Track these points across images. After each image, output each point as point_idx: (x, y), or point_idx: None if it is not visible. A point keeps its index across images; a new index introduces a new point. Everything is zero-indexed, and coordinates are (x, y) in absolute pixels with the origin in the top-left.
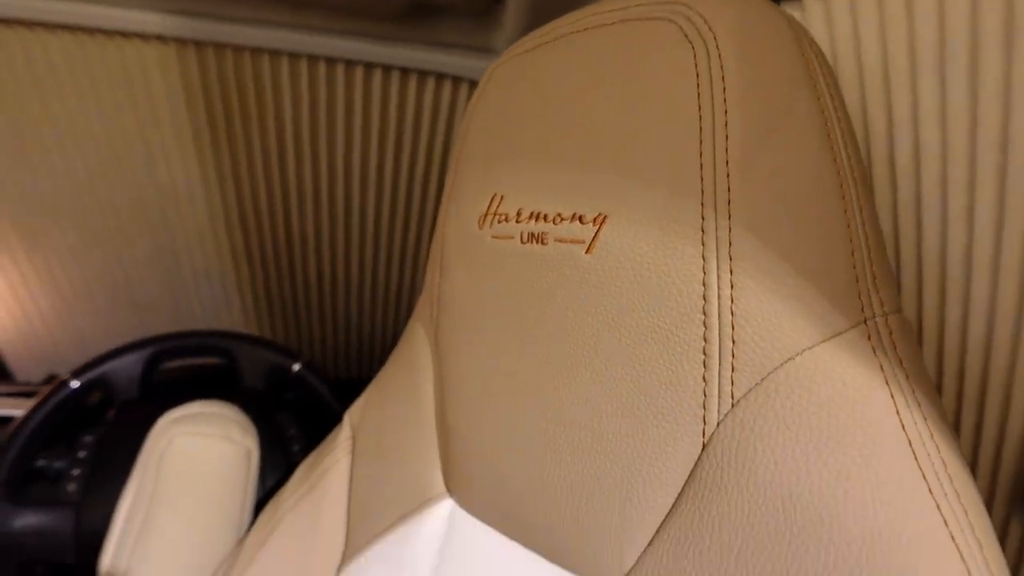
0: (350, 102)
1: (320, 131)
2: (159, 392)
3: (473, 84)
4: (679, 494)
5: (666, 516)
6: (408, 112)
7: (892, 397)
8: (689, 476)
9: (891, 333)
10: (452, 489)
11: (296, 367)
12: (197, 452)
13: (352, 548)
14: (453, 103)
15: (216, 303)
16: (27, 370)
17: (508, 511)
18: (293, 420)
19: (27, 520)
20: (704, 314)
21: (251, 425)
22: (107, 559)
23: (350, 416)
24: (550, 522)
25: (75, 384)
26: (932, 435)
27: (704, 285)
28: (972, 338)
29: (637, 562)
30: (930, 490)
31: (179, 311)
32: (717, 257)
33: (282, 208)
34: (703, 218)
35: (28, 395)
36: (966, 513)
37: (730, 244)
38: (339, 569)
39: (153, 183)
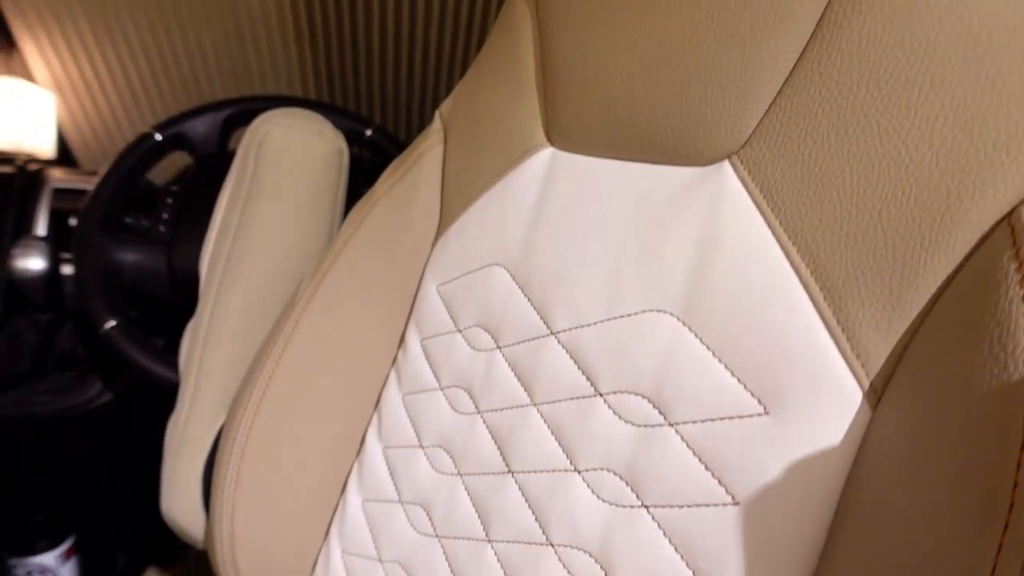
0: None
1: None
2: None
3: None
4: (804, 47)
5: (789, 74)
6: None
7: None
8: (818, 22)
9: None
10: (553, 138)
11: (369, 132)
12: (293, 143)
13: (448, 218)
14: None
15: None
16: (93, 162)
17: (618, 131)
18: (368, 184)
19: (125, 255)
20: None
21: (339, 130)
22: (210, 246)
23: (441, 111)
24: (666, 121)
25: (158, 137)
26: None
27: None
28: None
29: (755, 129)
30: None
31: None
32: None
33: None
34: None
35: None
36: None
37: None
38: (435, 241)
39: None
